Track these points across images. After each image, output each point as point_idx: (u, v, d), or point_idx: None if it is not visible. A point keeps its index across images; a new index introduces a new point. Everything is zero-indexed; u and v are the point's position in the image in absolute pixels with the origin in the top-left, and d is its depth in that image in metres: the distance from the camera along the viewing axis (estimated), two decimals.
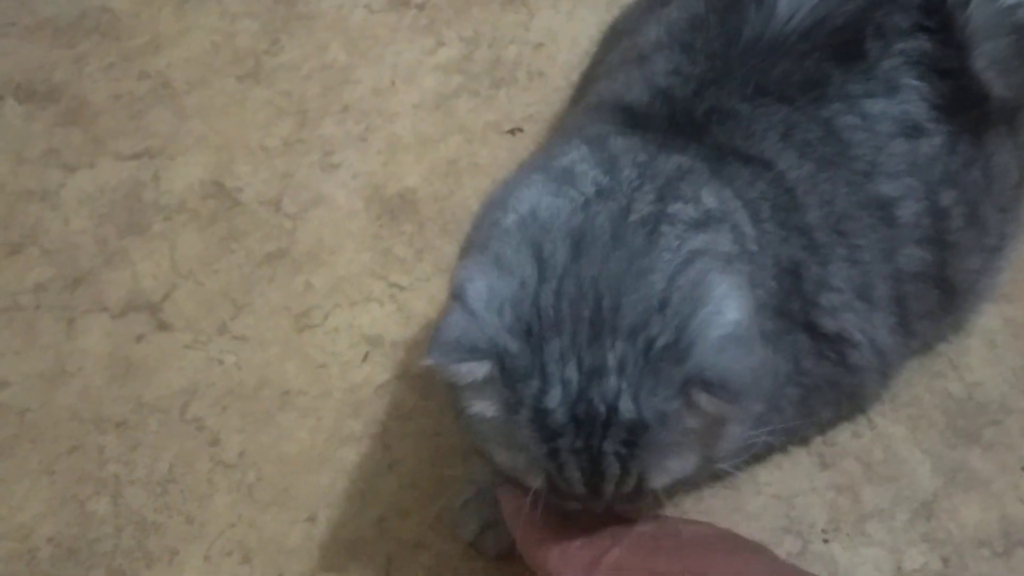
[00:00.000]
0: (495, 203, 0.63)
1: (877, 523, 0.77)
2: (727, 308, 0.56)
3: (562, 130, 0.84)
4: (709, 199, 0.62)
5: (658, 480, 0.58)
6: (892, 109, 0.70)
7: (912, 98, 0.70)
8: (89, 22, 1.21)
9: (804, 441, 0.81)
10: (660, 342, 0.55)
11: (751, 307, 0.58)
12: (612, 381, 0.55)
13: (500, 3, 1.16)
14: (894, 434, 0.81)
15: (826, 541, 0.77)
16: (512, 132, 1.05)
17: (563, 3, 1.15)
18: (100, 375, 0.92)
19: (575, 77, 1.00)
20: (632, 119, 0.70)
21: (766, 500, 0.79)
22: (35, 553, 0.83)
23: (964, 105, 0.71)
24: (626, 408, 0.55)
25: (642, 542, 0.63)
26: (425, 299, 0.93)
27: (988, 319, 0.85)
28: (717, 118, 0.69)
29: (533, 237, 0.58)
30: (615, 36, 0.86)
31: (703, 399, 0.54)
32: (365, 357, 0.91)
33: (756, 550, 0.66)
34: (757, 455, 0.78)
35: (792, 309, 0.69)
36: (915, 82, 0.70)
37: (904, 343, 0.76)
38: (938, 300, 0.76)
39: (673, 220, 0.59)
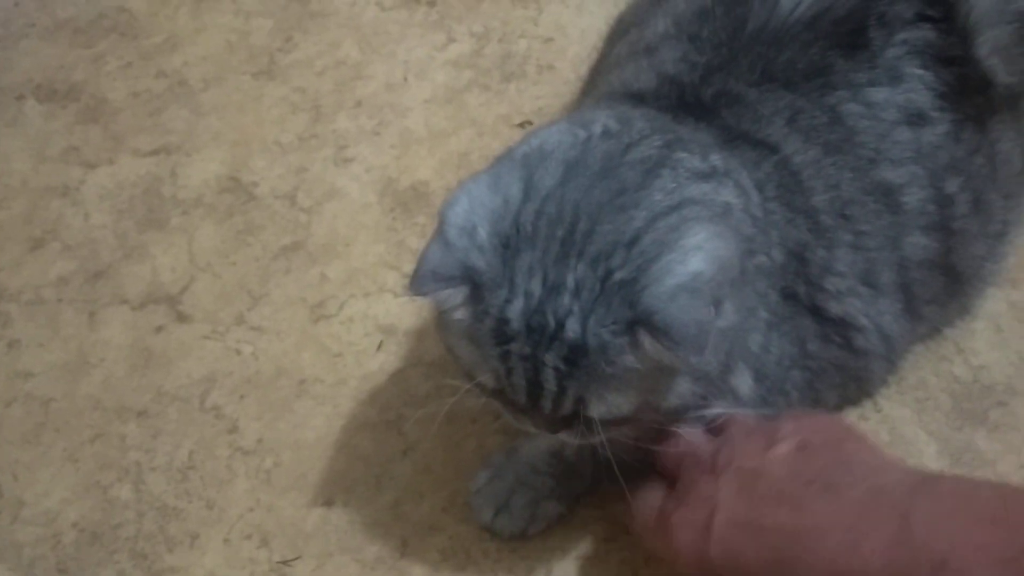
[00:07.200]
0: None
1: None
2: (692, 259, 0.57)
3: None
4: (717, 160, 0.65)
5: (597, 408, 0.60)
6: (896, 97, 0.71)
7: (916, 87, 0.71)
8: (107, 22, 1.23)
9: None
10: (618, 276, 0.57)
11: (725, 261, 0.59)
12: (566, 299, 0.57)
13: None
14: (900, 416, 0.82)
15: None
16: (522, 125, 1.06)
17: None
18: (121, 366, 0.94)
19: (584, 70, 1.02)
20: (642, 104, 0.71)
21: None
22: (60, 538, 0.84)
23: (968, 93, 0.72)
24: (571, 328, 0.57)
25: (739, 497, 0.61)
26: None
27: (993, 303, 0.86)
28: (725, 101, 0.70)
29: (529, 163, 0.62)
30: (622, 29, 0.87)
31: (647, 342, 0.56)
32: (380, 346, 0.92)
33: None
34: None
35: (798, 292, 0.70)
36: (919, 71, 0.71)
37: (910, 328, 0.77)
38: (944, 286, 0.77)
39: (676, 166, 0.62)
